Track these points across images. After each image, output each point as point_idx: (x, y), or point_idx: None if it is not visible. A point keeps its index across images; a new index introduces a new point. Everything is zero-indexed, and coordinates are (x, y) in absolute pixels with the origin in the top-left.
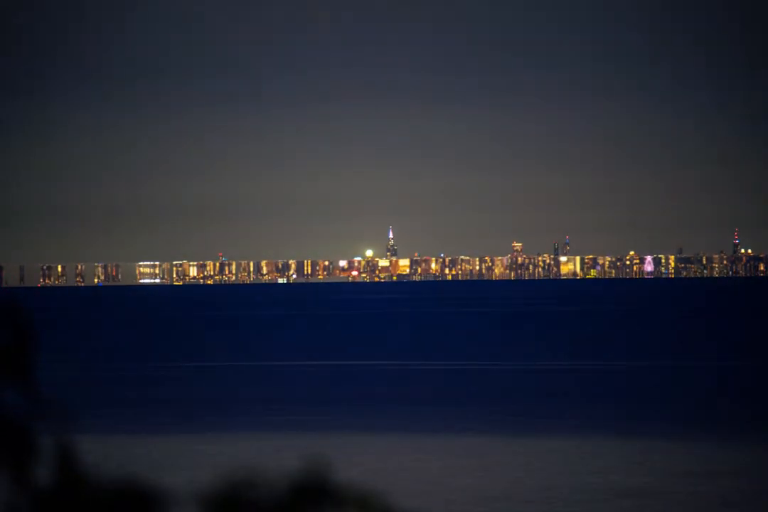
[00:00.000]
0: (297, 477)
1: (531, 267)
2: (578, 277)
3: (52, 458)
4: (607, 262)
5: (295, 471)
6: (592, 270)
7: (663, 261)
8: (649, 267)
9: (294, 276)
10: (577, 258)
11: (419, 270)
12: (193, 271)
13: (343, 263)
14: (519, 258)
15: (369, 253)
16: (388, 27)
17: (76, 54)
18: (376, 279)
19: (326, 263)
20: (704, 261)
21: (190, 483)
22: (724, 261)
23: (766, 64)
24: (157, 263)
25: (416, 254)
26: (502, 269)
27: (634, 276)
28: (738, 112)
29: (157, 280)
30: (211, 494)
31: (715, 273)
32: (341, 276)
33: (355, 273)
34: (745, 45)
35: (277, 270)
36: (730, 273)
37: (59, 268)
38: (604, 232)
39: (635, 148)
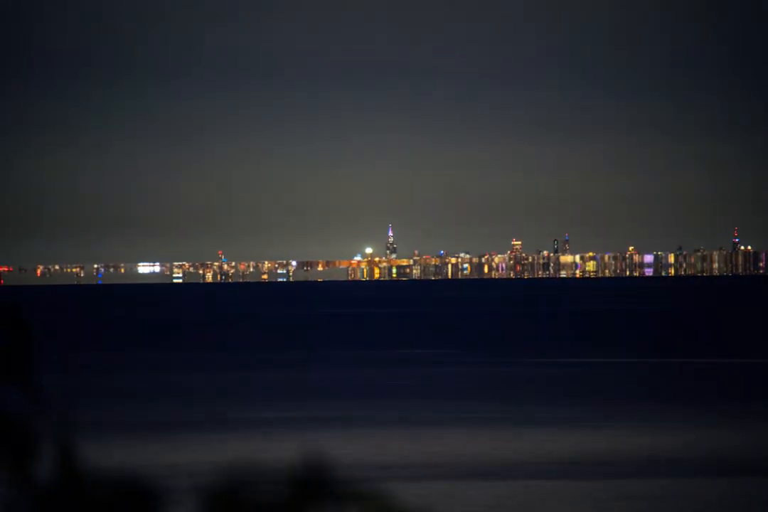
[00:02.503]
0: (298, 473)
1: (530, 268)
2: (577, 277)
3: (53, 457)
4: (608, 264)
5: (296, 467)
6: (589, 263)
7: (662, 259)
8: (648, 270)
9: (294, 265)
10: (577, 256)
11: (419, 261)
12: (199, 272)
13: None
14: (519, 266)
15: (369, 250)
16: (391, 27)
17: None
18: (376, 269)
19: (324, 262)
20: (703, 259)
21: (190, 480)
22: (724, 260)
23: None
24: (157, 263)
25: (416, 252)
26: (500, 272)
27: (634, 273)
28: (738, 110)
29: (156, 273)
30: (212, 491)
31: (714, 271)
32: (341, 266)
33: (354, 261)
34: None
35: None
36: (732, 270)
37: (55, 268)
38: (604, 229)
39: (634, 144)
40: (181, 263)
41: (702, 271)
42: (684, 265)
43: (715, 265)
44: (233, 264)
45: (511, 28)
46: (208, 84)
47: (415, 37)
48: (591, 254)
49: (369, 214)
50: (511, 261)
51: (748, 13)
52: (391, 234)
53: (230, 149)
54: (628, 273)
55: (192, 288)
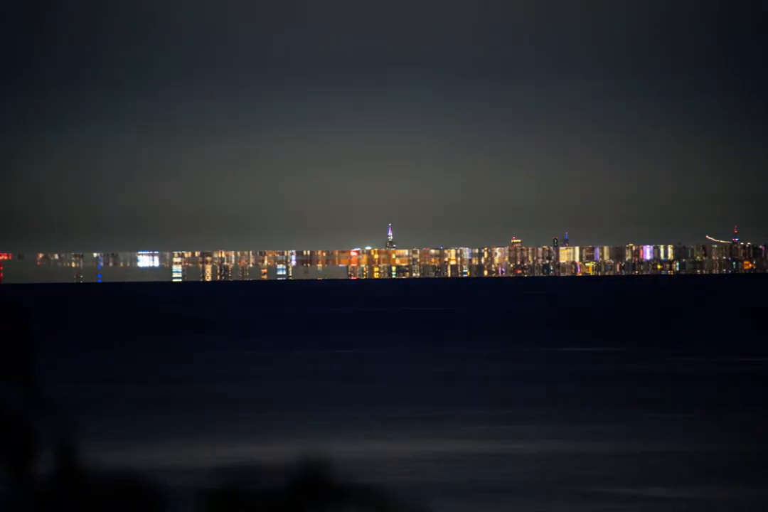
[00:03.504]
0: (297, 473)
1: (530, 269)
2: (578, 275)
3: (53, 455)
4: (607, 259)
5: (295, 468)
6: (589, 264)
7: (662, 256)
8: (647, 270)
9: (293, 263)
10: (576, 256)
11: (418, 260)
12: (199, 267)
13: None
14: (519, 270)
15: (368, 247)
16: (390, 26)
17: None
18: (375, 268)
19: (324, 253)
20: (704, 257)
21: (190, 480)
22: (723, 257)
23: None
24: (156, 252)
25: (414, 248)
26: (500, 274)
27: (634, 272)
28: (739, 109)
29: (156, 268)
30: (211, 491)
31: (714, 269)
32: (341, 264)
33: (354, 254)
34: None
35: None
36: (732, 268)
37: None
38: (603, 228)
39: (634, 144)
40: (181, 252)
41: (701, 270)
42: (685, 264)
43: (715, 263)
44: (232, 260)
45: (512, 28)
46: (209, 84)
47: (415, 36)
48: (590, 254)
49: (369, 213)
50: (512, 265)
51: (748, 13)
52: (390, 233)
53: (230, 149)
54: (626, 272)
55: (196, 287)
